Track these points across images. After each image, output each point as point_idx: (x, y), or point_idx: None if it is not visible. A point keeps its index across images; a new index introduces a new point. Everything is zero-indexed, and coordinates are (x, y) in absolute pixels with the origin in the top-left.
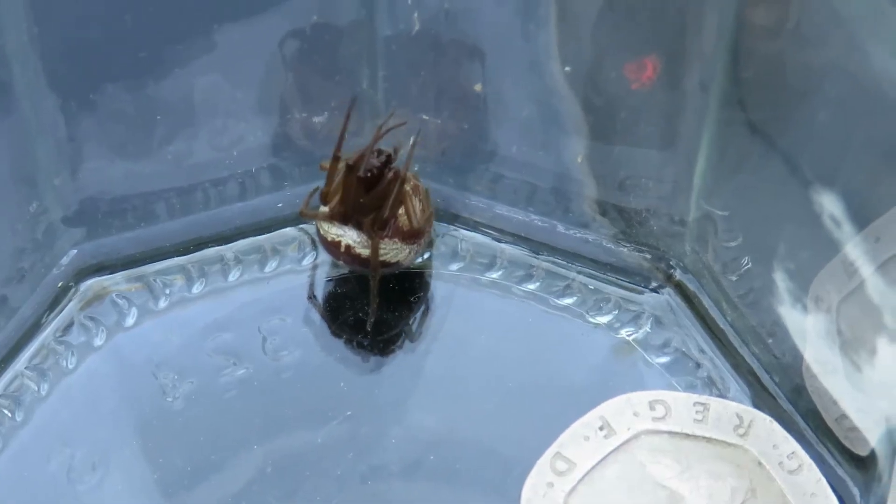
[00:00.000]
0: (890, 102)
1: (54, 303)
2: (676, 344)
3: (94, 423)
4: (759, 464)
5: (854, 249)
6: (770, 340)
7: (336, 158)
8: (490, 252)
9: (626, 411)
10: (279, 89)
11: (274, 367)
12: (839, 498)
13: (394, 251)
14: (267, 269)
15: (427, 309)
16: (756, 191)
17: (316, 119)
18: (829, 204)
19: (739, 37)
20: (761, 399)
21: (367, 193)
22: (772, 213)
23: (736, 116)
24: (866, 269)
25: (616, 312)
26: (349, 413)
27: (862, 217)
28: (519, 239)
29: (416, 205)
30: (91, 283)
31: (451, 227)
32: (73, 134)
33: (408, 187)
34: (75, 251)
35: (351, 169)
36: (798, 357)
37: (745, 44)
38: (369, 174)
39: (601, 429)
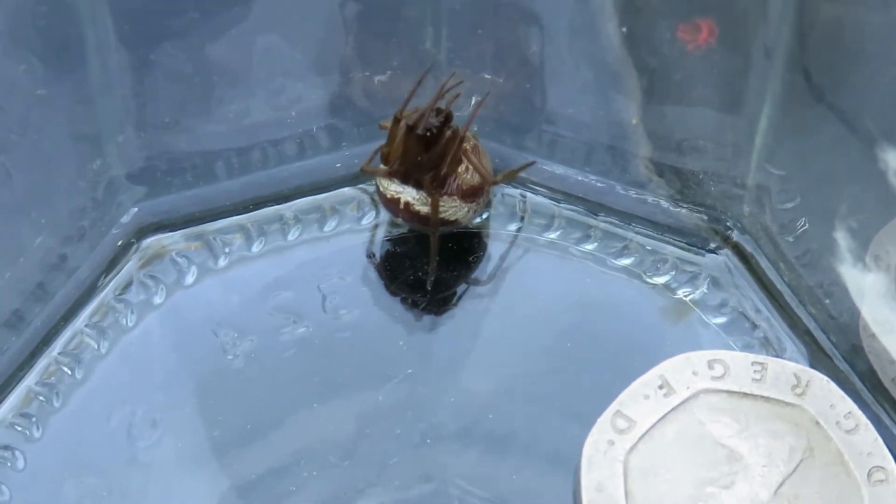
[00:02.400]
0: None
1: (114, 261)
2: (733, 304)
3: (154, 381)
4: (817, 423)
5: None
6: (827, 301)
7: (397, 120)
8: (548, 212)
9: (686, 370)
10: (339, 49)
11: (334, 325)
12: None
13: (452, 209)
14: (326, 229)
15: (485, 269)
16: (814, 152)
17: (376, 79)
18: (894, 161)
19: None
20: (818, 359)
21: (426, 152)
22: (830, 173)
23: (799, 79)
24: None
25: (673, 273)
26: (409, 371)
27: None
28: (576, 199)
29: (476, 163)
30: (150, 242)
31: (509, 187)
32: (136, 92)
33: (468, 146)
34: (135, 210)
35: (411, 128)
36: (855, 317)
37: (810, 6)
38: (429, 133)
39: (661, 387)
